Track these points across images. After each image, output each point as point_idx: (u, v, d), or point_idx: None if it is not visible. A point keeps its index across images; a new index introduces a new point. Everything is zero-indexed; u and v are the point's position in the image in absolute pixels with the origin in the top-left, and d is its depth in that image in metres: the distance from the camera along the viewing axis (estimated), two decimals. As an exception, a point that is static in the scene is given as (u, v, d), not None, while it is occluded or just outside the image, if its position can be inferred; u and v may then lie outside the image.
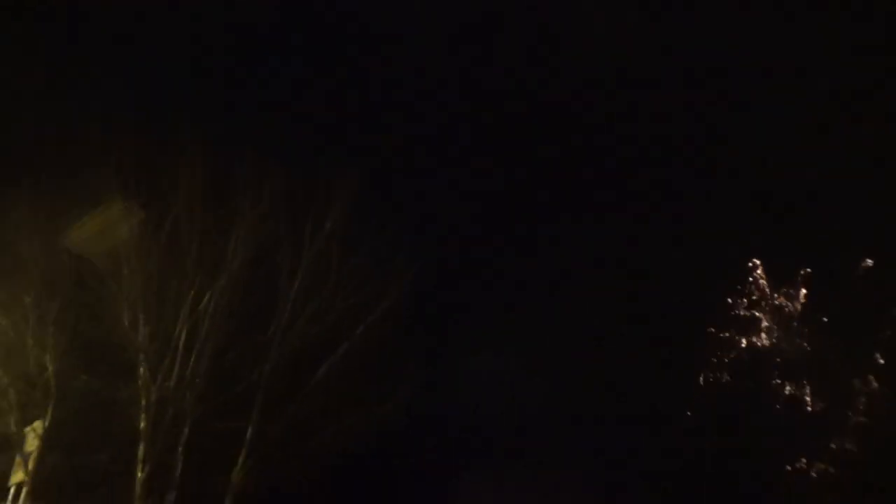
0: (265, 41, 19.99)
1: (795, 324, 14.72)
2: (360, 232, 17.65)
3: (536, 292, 18.83)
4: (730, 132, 17.42)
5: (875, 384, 14.02)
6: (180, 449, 15.62)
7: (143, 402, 15.58)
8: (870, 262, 14.72)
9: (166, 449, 15.51)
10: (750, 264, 15.40)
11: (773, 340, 14.67)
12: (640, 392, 15.93)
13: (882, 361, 14.09)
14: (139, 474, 15.08)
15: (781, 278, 15.25)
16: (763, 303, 15.02)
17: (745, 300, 15.14)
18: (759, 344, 14.68)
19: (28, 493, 14.38)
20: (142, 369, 15.78)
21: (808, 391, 13.90)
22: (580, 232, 18.64)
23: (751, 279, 15.29)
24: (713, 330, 14.84)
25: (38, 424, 15.01)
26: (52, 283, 15.61)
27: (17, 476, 14.55)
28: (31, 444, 14.82)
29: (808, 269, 15.22)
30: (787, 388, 13.92)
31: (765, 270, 15.28)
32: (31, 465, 14.58)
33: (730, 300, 15.20)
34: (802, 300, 14.99)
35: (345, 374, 16.97)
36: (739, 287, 15.31)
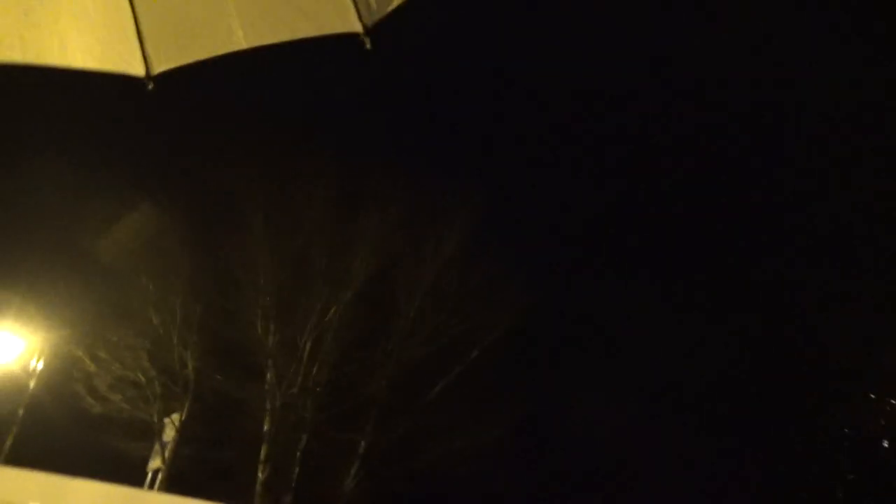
0: (399, 66, 20.14)
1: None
2: (480, 256, 17.79)
3: (657, 327, 18.09)
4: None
5: None
6: (298, 454, 16.68)
7: (269, 406, 16.75)
8: None
9: (285, 452, 16.62)
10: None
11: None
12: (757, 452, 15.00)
13: None
14: (260, 474, 16.25)
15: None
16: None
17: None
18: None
19: (163, 480, 15.80)
20: (269, 374, 16.92)
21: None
22: (712, 271, 17.60)
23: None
24: (847, 430, 13.59)
25: (176, 416, 16.34)
26: (197, 287, 16.81)
27: (156, 463, 15.95)
28: (169, 434, 16.18)
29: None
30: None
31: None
32: (167, 454, 15.97)
33: (873, 396, 13.84)
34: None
35: (457, 394, 17.30)
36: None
